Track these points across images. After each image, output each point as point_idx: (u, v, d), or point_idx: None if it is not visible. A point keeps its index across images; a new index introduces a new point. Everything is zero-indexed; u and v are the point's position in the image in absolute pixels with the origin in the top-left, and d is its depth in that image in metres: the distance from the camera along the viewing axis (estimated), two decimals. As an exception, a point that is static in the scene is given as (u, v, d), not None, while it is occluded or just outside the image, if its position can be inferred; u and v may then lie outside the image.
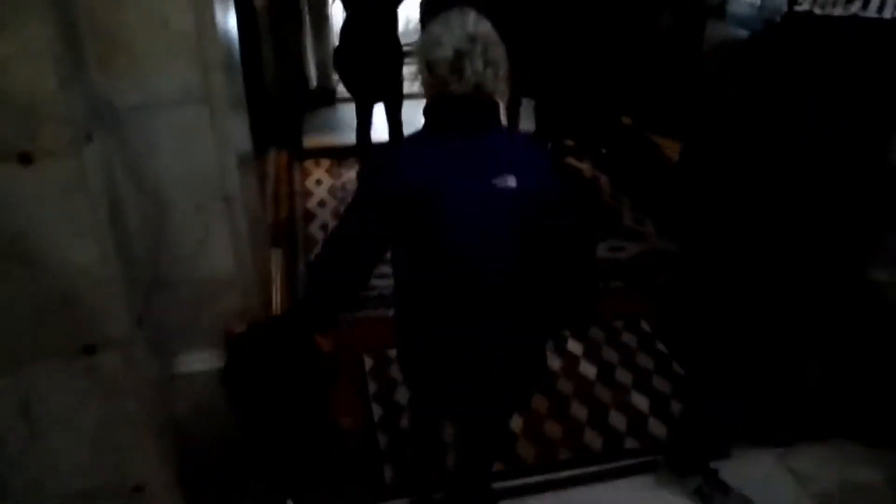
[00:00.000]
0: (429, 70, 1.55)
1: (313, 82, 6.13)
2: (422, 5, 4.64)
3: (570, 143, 5.59)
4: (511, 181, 1.53)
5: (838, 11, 1.61)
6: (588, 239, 1.87)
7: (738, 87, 1.83)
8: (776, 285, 1.93)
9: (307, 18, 5.84)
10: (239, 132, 2.35)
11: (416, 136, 1.64)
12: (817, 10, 1.64)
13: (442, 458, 2.40)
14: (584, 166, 5.27)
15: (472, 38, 1.51)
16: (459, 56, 1.49)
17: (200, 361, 2.25)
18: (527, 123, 5.48)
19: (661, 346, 3.40)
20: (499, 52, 1.54)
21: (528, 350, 1.79)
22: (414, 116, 4.72)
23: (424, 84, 1.60)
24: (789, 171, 1.72)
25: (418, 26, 4.80)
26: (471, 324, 1.64)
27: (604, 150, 5.46)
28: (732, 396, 2.40)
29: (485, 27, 1.55)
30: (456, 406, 1.84)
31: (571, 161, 5.36)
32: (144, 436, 2.05)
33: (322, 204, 4.75)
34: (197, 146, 1.89)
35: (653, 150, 5.45)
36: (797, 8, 1.68)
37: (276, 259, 2.73)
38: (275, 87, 5.88)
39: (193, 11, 1.72)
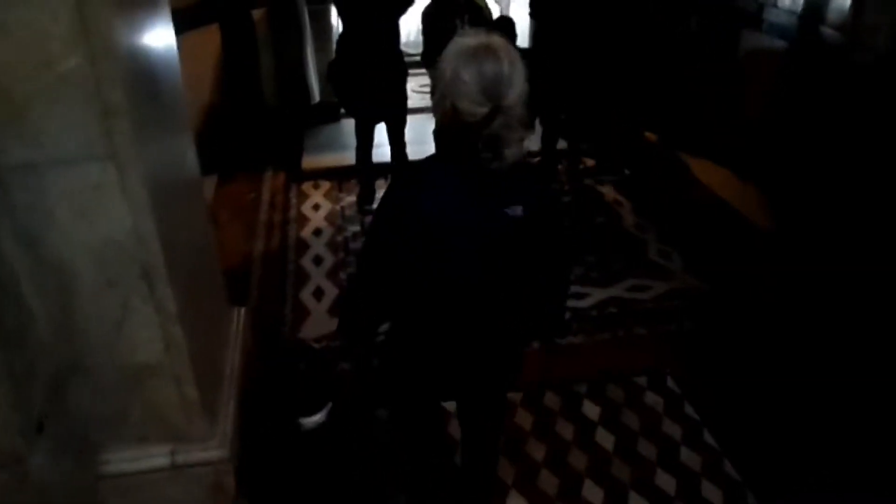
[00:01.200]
0: (454, 110, 1.50)
1: (316, 97, 5.75)
2: (424, 15, 4.25)
3: (589, 162, 5.16)
4: (519, 210, 1.59)
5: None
6: (566, 255, 1.93)
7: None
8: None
9: (308, 28, 5.46)
10: (182, 167, 1.97)
11: (434, 162, 1.67)
12: None
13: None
14: (606, 190, 4.82)
15: (505, 106, 1.47)
16: (488, 118, 1.47)
17: (133, 460, 1.87)
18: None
19: (690, 411, 2.96)
20: (522, 111, 1.51)
21: (508, 347, 1.88)
22: (419, 132, 4.32)
23: (442, 114, 1.56)
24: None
25: (420, 37, 4.41)
26: (459, 330, 1.74)
27: (627, 172, 5.01)
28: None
29: (517, 89, 1.48)
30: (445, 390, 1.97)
31: (591, 184, 4.92)
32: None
33: (317, 233, 4.35)
34: (103, 211, 1.50)
35: (682, 172, 5.00)
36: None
37: (236, 321, 2.34)
38: (274, 103, 5.54)
39: (84, 44, 1.33)
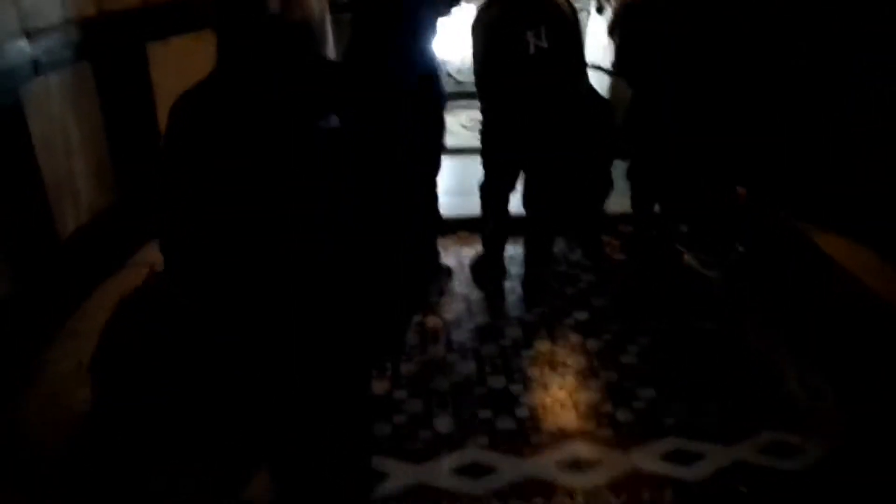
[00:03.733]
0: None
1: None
2: (479, 26, 3.02)
3: (683, 229, 3.85)
4: (335, 121, 1.37)
5: None
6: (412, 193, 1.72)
7: None
8: None
9: (330, 39, 4.36)
10: None
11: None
12: None
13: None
14: (714, 276, 3.50)
15: None
16: None
17: None
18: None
19: None
20: None
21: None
22: (461, 179, 3.14)
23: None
24: None
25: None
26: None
27: (741, 249, 3.69)
28: None
29: None
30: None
31: (690, 261, 3.62)
32: None
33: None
34: None
35: (814, 254, 3.65)
36: None
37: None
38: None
39: None
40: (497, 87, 3.02)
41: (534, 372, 2.77)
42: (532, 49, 2.84)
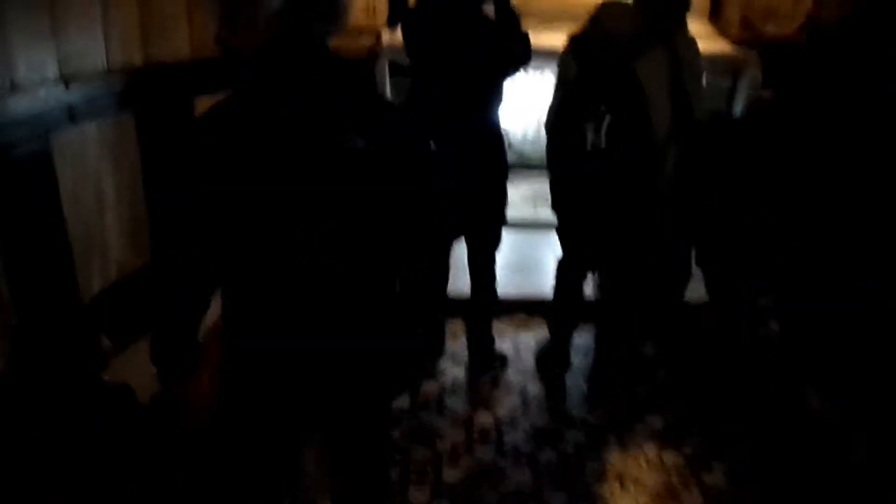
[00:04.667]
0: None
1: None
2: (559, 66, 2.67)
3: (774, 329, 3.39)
4: (361, 143, 1.34)
5: None
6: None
7: None
8: None
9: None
10: None
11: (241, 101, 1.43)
12: None
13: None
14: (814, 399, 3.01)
15: None
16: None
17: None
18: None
19: None
20: None
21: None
22: (522, 256, 2.86)
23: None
24: None
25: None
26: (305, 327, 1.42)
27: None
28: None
29: None
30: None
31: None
32: None
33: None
34: None
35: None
36: None
37: None
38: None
39: None
40: (556, 170, 2.69)
41: (599, 488, 2.34)
42: (588, 146, 2.42)
